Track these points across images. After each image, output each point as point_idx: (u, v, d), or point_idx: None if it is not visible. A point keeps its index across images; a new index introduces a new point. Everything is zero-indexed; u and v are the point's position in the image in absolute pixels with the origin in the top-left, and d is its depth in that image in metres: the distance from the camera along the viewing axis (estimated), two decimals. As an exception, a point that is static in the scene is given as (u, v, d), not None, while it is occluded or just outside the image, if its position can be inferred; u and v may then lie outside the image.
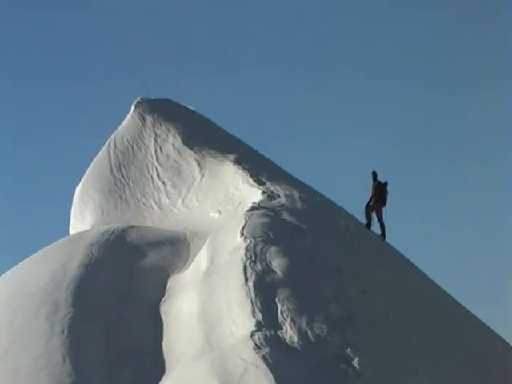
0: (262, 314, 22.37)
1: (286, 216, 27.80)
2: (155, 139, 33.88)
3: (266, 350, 21.07)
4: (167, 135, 33.79)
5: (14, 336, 24.17)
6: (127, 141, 34.30)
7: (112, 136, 34.69)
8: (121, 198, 32.77)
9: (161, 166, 33.13)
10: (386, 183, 31.28)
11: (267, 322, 22.12)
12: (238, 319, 22.47)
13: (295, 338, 21.75)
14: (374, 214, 31.46)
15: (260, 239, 25.54)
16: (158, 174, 32.96)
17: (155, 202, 32.19)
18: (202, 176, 32.23)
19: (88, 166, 34.71)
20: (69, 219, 33.78)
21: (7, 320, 25.13)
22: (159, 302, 25.40)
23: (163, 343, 23.64)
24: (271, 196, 29.37)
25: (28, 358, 23.03)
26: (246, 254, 24.69)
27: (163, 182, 32.68)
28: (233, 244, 25.56)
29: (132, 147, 33.86)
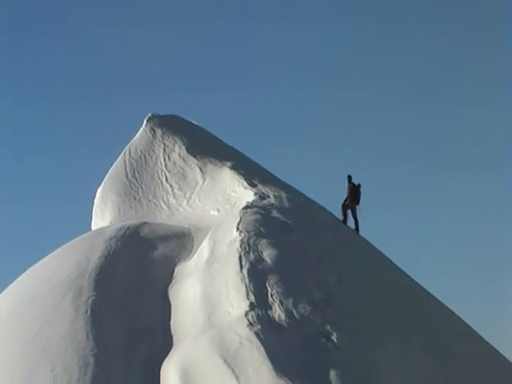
0: (255, 297, 22.29)
1: (274, 213, 27.80)
2: (164, 149, 34.05)
3: (258, 326, 21.00)
4: (174, 145, 33.97)
5: (44, 318, 24.13)
6: (140, 150, 34.53)
7: (127, 147, 34.95)
8: (135, 198, 32.91)
9: (169, 171, 33.32)
10: (359, 185, 31.69)
11: (259, 303, 22.03)
12: (235, 301, 22.40)
13: (283, 317, 21.67)
14: (349, 212, 31.64)
15: (253, 233, 25.51)
16: (166, 179, 33.11)
17: (164, 202, 32.30)
18: (204, 180, 32.38)
19: (106, 173, 34.82)
20: (91, 217, 33.80)
21: (38, 304, 25.12)
22: (168, 287, 25.35)
23: (171, 323, 23.55)
24: (262, 196, 29.47)
25: (57, 336, 22.93)
26: (241, 246, 24.65)
27: (171, 186, 32.82)
28: (230, 237, 25.52)
29: (144, 156, 34.07)
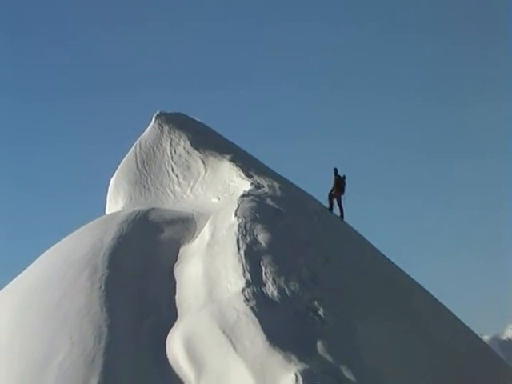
0: (251, 275, 22.46)
1: (268, 201, 27.91)
2: (170, 143, 34.06)
3: (254, 302, 21.22)
4: (179, 140, 33.99)
5: (63, 292, 24.27)
6: (149, 144, 34.53)
7: (137, 141, 34.97)
8: (144, 187, 32.93)
9: (174, 163, 33.32)
10: (344, 177, 31.71)
11: (254, 281, 22.22)
12: (232, 279, 22.58)
13: (275, 293, 21.85)
14: (335, 201, 31.69)
15: (249, 219, 25.64)
16: (172, 169, 33.11)
17: (170, 191, 32.32)
18: (206, 171, 32.41)
19: (119, 164, 34.86)
20: (105, 203, 33.84)
21: (58, 280, 25.26)
22: (173, 266, 25.46)
23: (176, 298, 23.67)
24: (257, 186, 29.55)
25: (74, 308, 23.11)
26: (238, 230, 24.80)
27: (176, 176, 32.82)
28: (228, 222, 25.64)
29: (153, 149, 34.08)
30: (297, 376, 17.95)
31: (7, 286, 27.35)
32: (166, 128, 34.99)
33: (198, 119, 36.90)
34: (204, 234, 26.21)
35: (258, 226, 25.11)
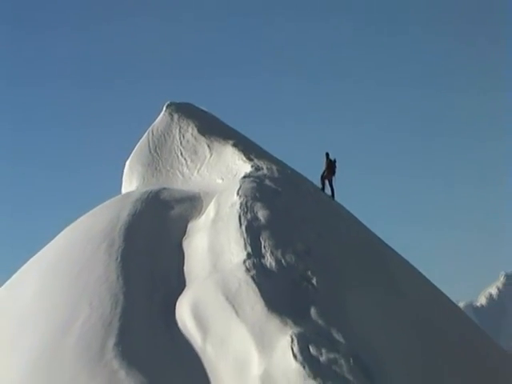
0: (251, 248, 22.53)
1: (267, 182, 27.89)
2: (179, 130, 34.02)
3: (254, 272, 21.30)
4: (187, 127, 33.94)
5: (84, 263, 24.38)
6: (160, 131, 34.49)
7: (150, 128, 34.95)
8: (156, 169, 32.92)
9: (183, 147, 33.28)
10: (335, 160, 31.61)
11: (254, 253, 22.29)
12: (235, 251, 22.64)
13: (273, 264, 21.93)
14: (326, 182, 31.67)
15: (250, 197, 25.62)
16: (181, 153, 33.07)
17: (179, 172, 32.29)
18: (211, 155, 32.35)
19: (133, 149, 34.85)
20: (121, 184, 33.85)
21: (79, 252, 25.34)
22: (182, 240, 25.48)
23: (185, 268, 23.74)
24: (257, 168, 29.53)
25: (93, 278, 23.22)
26: (240, 208, 24.80)
27: (185, 159, 32.79)
28: (231, 201, 25.64)
29: (164, 135, 34.05)
30: (292, 338, 18.06)
31: (33, 258, 27.43)
32: (175, 116, 34.93)
33: (204, 108, 36.87)
34: (209, 211, 26.24)
35: (258, 204, 25.11)
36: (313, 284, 21.28)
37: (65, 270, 24.60)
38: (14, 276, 27.11)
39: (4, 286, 26.84)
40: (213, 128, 34.30)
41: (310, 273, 21.77)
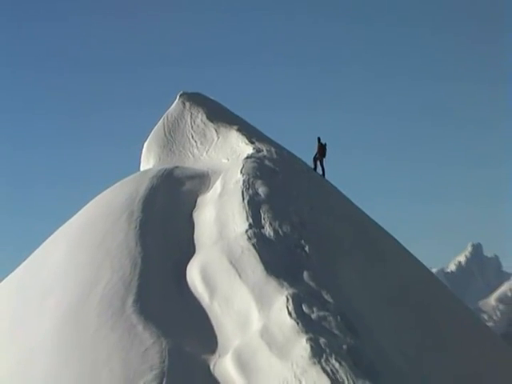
0: (252, 219, 22.53)
1: (266, 162, 27.84)
2: (191, 116, 33.95)
3: (254, 240, 21.31)
4: (198, 114, 33.87)
5: (106, 231, 24.37)
6: (174, 117, 34.41)
7: (165, 114, 34.89)
8: (170, 150, 32.88)
9: (194, 131, 33.22)
10: (325, 144, 31.58)
11: (255, 224, 22.29)
12: (238, 222, 22.62)
13: (271, 234, 21.95)
14: (318, 163, 31.68)
15: (251, 175, 25.58)
16: (192, 137, 33.02)
17: (190, 153, 32.25)
18: (218, 138, 32.30)
19: (150, 132, 34.80)
20: (139, 162, 33.85)
21: (102, 222, 25.37)
22: (192, 212, 25.44)
23: (194, 236, 23.69)
24: (258, 150, 29.48)
25: (115, 244, 23.22)
26: (243, 184, 24.75)
27: (195, 141, 32.74)
28: (235, 178, 25.61)
29: (177, 120, 33.99)
30: (287, 298, 18.09)
31: (60, 228, 27.44)
32: (187, 104, 34.84)
33: (212, 97, 36.78)
34: (216, 187, 26.20)
35: (258, 181, 25.09)
36: (306, 251, 21.34)
37: (90, 237, 24.62)
38: (44, 243, 27.17)
39: (35, 252, 26.90)
40: (219, 115, 34.23)
41: (303, 241, 21.82)
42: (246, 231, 21.75)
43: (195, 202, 26.19)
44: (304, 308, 17.81)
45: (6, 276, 27.02)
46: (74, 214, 28.17)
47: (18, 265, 26.91)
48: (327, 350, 16.12)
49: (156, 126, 34.84)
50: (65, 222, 27.92)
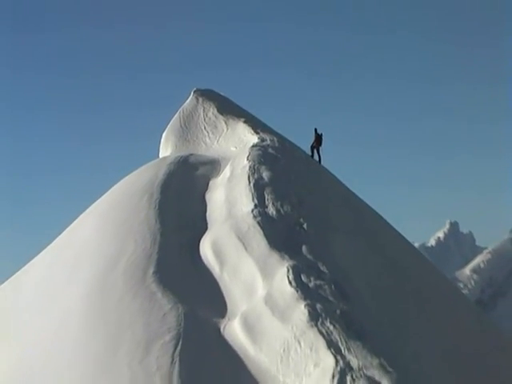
0: (257, 200, 22.42)
1: (270, 150, 27.64)
2: (203, 109, 33.80)
3: (259, 218, 21.24)
4: (209, 108, 33.71)
5: (130, 211, 24.35)
6: (189, 110, 34.23)
7: (181, 108, 34.72)
8: (185, 139, 32.75)
9: (206, 123, 33.06)
10: (321, 134, 31.43)
11: (259, 204, 22.19)
12: (245, 202, 22.52)
13: (274, 213, 21.85)
14: (315, 151, 31.56)
15: (256, 162, 25.39)
16: (204, 128, 32.87)
17: (203, 142, 32.13)
18: (227, 129, 32.15)
19: (168, 123, 34.65)
20: (158, 150, 33.77)
21: (126, 202, 25.38)
22: (205, 193, 25.33)
23: (207, 215, 23.59)
24: (262, 140, 29.30)
25: (137, 221, 23.17)
26: (249, 170, 24.60)
27: (207, 132, 32.60)
28: (242, 164, 25.44)
29: (191, 113, 33.83)
30: (288, 268, 18.06)
31: (89, 208, 27.41)
32: (200, 99, 34.66)
33: (222, 93, 36.62)
34: (226, 172, 26.07)
35: (263, 167, 24.93)
36: (304, 228, 21.25)
37: (115, 215, 24.59)
38: (76, 220, 27.17)
39: (68, 228, 26.90)
40: (229, 108, 34.06)
41: (301, 219, 21.71)
42: (252, 210, 21.66)
43: (207, 184, 26.08)
44: (302, 278, 17.77)
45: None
46: (102, 195, 28.17)
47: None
48: (323, 315, 16.11)
49: (173, 119, 34.72)
50: (93, 202, 27.92)
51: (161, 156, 33.34)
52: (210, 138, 32.36)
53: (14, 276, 26.00)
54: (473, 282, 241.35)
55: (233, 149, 30.29)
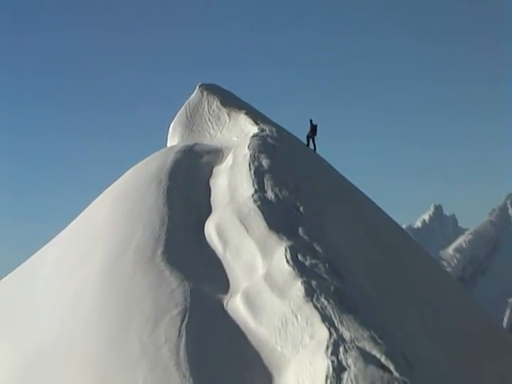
0: (258, 186, 22.29)
1: (269, 140, 27.51)
2: (208, 102, 33.58)
3: (259, 202, 21.11)
4: (213, 100, 33.49)
5: (140, 196, 24.25)
6: (194, 103, 33.98)
7: (187, 101, 34.47)
8: (191, 130, 32.55)
9: (210, 115, 32.85)
10: (316, 125, 31.38)
11: (259, 190, 22.06)
12: (246, 188, 22.41)
13: (273, 197, 21.74)
14: (310, 140, 31.48)
15: (257, 150, 25.25)
16: (209, 119, 32.67)
17: (208, 133, 31.96)
18: (230, 120, 31.97)
19: (175, 115, 34.47)
20: (166, 140, 33.66)
21: (136, 188, 25.29)
22: (209, 179, 25.21)
23: (211, 199, 23.49)
24: (262, 130, 29.18)
25: (147, 206, 23.08)
26: (250, 158, 24.47)
27: (211, 123, 32.42)
28: (244, 153, 25.30)
29: (197, 106, 33.59)
30: (286, 248, 18.01)
31: (102, 195, 27.33)
32: (205, 93, 34.42)
33: (224, 87, 36.42)
34: (228, 160, 25.94)
35: (262, 155, 24.78)
36: (300, 211, 21.14)
37: (126, 200, 24.51)
38: (90, 205, 27.10)
39: (82, 212, 26.86)
40: (231, 101, 33.87)
41: (298, 203, 21.60)
42: (253, 195, 21.55)
43: (211, 171, 25.95)
44: (299, 257, 17.72)
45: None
46: (115, 180, 28.11)
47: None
48: (318, 291, 16.07)
49: (180, 111, 34.55)
50: (107, 187, 27.83)
51: (168, 145, 33.24)
52: (213, 128, 32.21)
53: (34, 255, 26.04)
54: (455, 261, 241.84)
55: (235, 138, 30.19)
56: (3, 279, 25.95)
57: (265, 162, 24.23)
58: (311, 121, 31.47)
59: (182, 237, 21.06)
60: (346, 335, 14.37)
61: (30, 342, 18.83)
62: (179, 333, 15.99)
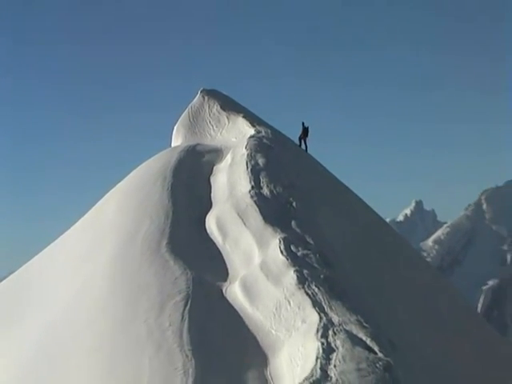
0: (254, 182, 22.12)
1: (265, 141, 27.27)
2: (208, 106, 33.33)
3: (255, 198, 20.99)
4: (214, 104, 33.26)
5: (145, 192, 24.13)
6: (196, 107, 33.71)
7: (190, 105, 34.20)
8: (193, 132, 32.31)
9: (211, 118, 32.64)
10: (308, 127, 31.18)
11: (256, 186, 21.91)
12: (243, 184, 22.27)
13: (268, 193, 21.62)
14: (302, 141, 31.32)
15: (253, 150, 25.06)
16: (209, 122, 32.45)
17: (208, 134, 31.74)
18: (229, 123, 31.73)
19: (179, 118, 34.25)
20: (171, 141, 33.48)
21: (142, 185, 25.16)
22: (210, 177, 25.04)
23: (212, 195, 23.33)
24: (258, 132, 28.91)
25: (152, 201, 22.94)
26: (247, 157, 24.30)
27: (212, 125, 32.21)
28: (241, 152, 25.13)
29: (198, 109, 33.35)
30: (280, 240, 17.92)
31: (113, 189, 27.16)
32: (206, 98, 34.17)
33: (224, 93, 36.26)
34: (228, 159, 25.77)
35: (258, 155, 24.60)
36: (293, 206, 21.02)
37: (134, 196, 24.37)
38: (101, 200, 26.96)
39: (92, 208, 26.70)
40: (230, 105, 33.64)
41: (291, 199, 21.46)
42: (250, 191, 21.42)
43: (212, 169, 25.78)
44: (292, 248, 17.64)
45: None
46: (123, 178, 27.95)
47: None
48: (309, 279, 16.02)
49: (183, 114, 34.37)
50: (115, 184, 27.66)
51: (172, 145, 33.11)
52: (214, 130, 32.05)
53: (49, 245, 25.93)
54: (434, 252, 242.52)
55: (233, 139, 30.02)
56: (15, 272, 25.87)
57: (261, 161, 24.09)
58: (303, 123, 31.31)
59: (185, 229, 20.95)
60: (335, 319, 14.32)
61: (40, 324, 18.73)
62: (182, 317, 15.94)
